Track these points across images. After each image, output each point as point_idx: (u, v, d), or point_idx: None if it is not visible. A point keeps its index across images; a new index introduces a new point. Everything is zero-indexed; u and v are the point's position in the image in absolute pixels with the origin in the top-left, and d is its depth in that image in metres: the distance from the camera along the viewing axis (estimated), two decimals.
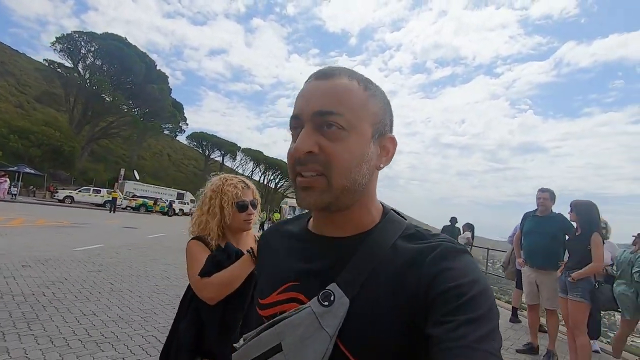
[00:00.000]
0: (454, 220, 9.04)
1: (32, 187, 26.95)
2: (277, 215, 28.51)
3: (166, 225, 19.35)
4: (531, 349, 3.94)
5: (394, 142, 0.58)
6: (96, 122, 37.43)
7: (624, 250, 3.93)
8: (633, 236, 3.92)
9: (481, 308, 0.43)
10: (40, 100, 37.09)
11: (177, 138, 59.11)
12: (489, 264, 9.94)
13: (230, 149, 63.48)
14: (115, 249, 8.46)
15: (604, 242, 3.38)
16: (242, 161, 65.54)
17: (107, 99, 36.84)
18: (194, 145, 63.05)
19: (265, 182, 69.68)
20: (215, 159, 64.27)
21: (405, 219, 0.60)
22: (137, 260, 7.41)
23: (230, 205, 1.40)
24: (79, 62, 35.03)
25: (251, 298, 0.57)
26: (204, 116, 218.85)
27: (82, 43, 34.84)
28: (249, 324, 0.64)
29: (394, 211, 0.61)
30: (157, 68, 41.56)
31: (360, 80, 0.55)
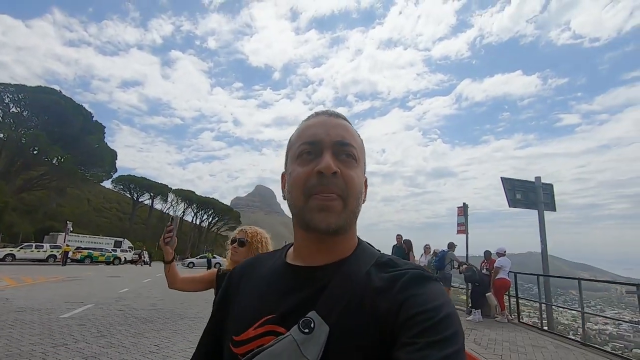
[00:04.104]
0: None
1: None
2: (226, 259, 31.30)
3: (137, 273, 21.39)
4: None
5: (366, 182, 0.65)
6: (20, 174, 36.08)
7: (432, 257, 9.60)
8: (434, 250, 9.65)
9: (446, 331, 0.45)
10: None
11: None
12: None
13: (160, 190, 62.85)
14: (144, 289, 11.90)
15: (413, 255, 9.01)
16: (174, 202, 65.13)
17: (34, 151, 36.11)
18: (121, 188, 60.99)
19: (198, 222, 69.95)
20: (144, 202, 62.80)
21: (379, 251, 0.64)
22: (172, 293, 11.04)
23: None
24: (4, 115, 34.30)
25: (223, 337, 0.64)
26: (117, 152, 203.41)
27: (9, 95, 34.38)
28: None
29: (368, 244, 0.66)
30: (94, 119, 42.11)
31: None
